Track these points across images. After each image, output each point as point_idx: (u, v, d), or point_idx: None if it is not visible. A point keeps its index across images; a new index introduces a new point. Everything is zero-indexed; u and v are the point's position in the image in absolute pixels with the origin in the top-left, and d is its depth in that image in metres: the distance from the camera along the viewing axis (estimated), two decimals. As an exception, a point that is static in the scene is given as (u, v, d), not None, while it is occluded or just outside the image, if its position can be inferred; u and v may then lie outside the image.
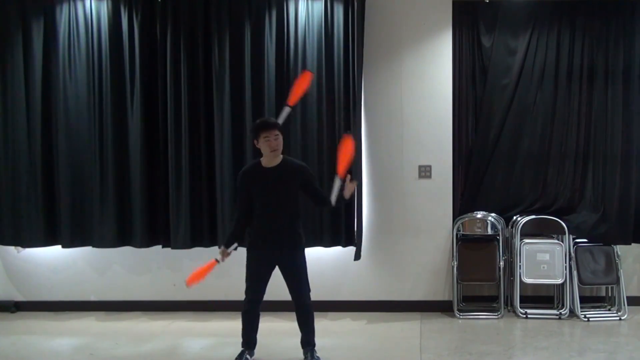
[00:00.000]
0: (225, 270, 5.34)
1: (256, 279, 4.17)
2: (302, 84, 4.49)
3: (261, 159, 4.16)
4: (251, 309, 4.20)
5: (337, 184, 4.17)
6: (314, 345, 4.27)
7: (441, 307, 5.43)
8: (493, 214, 5.46)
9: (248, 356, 4.25)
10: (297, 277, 4.17)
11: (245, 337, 4.26)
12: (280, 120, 4.27)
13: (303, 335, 4.27)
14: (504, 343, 4.73)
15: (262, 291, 4.19)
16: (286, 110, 4.40)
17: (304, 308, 4.21)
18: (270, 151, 4.07)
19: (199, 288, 5.47)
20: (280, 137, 4.09)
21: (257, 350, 4.36)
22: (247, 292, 4.18)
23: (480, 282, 5.49)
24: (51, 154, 5.36)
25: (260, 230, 4.14)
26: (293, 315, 4.28)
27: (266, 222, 4.11)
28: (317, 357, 4.25)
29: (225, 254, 4.18)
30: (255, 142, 4.10)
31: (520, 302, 5.32)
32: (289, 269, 4.17)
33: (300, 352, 4.30)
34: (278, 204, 4.09)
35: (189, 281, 4.12)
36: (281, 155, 4.14)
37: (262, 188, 4.07)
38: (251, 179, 4.12)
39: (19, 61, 5.32)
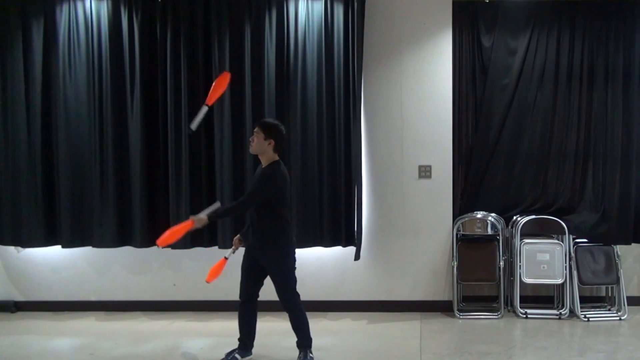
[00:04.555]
0: (225, 270, 5.37)
1: (242, 277, 4.25)
2: (221, 84, 4.36)
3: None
4: (242, 308, 4.26)
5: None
6: (306, 346, 4.26)
7: (441, 307, 5.43)
8: (493, 214, 5.46)
9: (238, 356, 4.26)
10: (274, 280, 4.18)
11: (241, 335, 4.30)
12: (197, 120, 4.21)
13: (296, 336, 4.29)
14: (504, 343, 4.73)
15: (251, 289, 4.22)
16: (204, 110, 4.25)
17: (287, 311, 4.22)
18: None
19: (198, 288, 5.52)
20: None
21: (259, 350, 4.38)
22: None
23: (480, 282, 5.49)
24: (51, 153, 5.37)
25: (249, 230, 4.25)
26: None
27: (251, 222, 4.21)
28: (311, 357, 4.24)
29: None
30: (272, 142, 4.08)
31: (520, 302, 5.32)
32: (268, 271, 4.21)
33: (299, 352, 4.33)
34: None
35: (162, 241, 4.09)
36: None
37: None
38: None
39: (19, 61, 5.31)
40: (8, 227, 5.40)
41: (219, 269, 4.27)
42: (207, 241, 5.35)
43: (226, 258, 4.30)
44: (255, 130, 4.13)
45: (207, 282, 4.27)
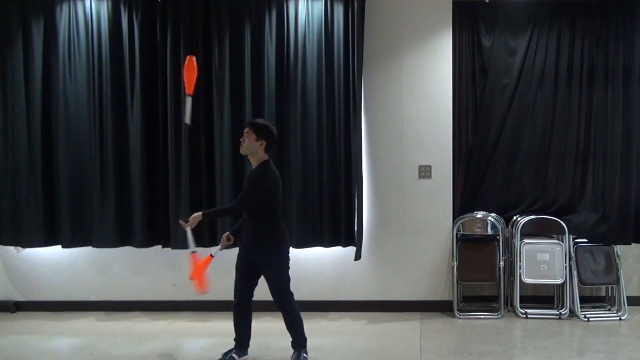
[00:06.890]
0: (225, 270, 5.37)
1: (237, 277, 4.25)
2: (191, 70, 4.32)
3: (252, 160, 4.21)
4: (237, 308, 4.27)
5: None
6: (300, 345, 4.25)
7: (441, 307, 5.43)
8: (493, 214, 5.46)
9: (235, 355, 4.27)
10: (268, 280, 4.18)
11: (236, 336, 4.30)
12: (187, 112, 4.24)
13: (290, 336, 4.29)
14: (504, 343, 4.73)
15: (245, 289, 4.22)
16: (189, 101, 4.29)
17: (281, 310, 4.21)
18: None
19: (199, 288, 5.53)
20: None
21: (257, 350, 4.38)
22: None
23: (480, 282, 5.50)
24: (51, 153, 5.36)
25: (244, 231, 4.25)
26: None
27: (245, 221, 4.21)
28: (304, 357, 4.23)
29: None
30: (263, 143, 4.10)
31: (520, 302, 5.32)
32: (262, 270, 4.20)
33: (302, 352, 4.32)
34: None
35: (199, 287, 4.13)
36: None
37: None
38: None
39: (19, 61, 5.32)
40: (8, 227, 5.40)
41: (204, 267, 4.16)
42: (207, 241, 5.34)
43: (212, 255, 4.22)
44: (245, 130, 4.14)
45: (202, 292, 4.15)
